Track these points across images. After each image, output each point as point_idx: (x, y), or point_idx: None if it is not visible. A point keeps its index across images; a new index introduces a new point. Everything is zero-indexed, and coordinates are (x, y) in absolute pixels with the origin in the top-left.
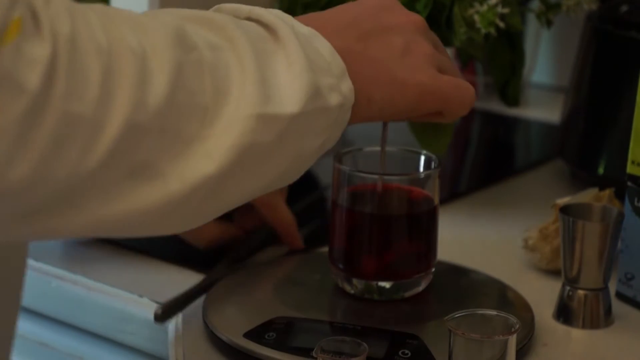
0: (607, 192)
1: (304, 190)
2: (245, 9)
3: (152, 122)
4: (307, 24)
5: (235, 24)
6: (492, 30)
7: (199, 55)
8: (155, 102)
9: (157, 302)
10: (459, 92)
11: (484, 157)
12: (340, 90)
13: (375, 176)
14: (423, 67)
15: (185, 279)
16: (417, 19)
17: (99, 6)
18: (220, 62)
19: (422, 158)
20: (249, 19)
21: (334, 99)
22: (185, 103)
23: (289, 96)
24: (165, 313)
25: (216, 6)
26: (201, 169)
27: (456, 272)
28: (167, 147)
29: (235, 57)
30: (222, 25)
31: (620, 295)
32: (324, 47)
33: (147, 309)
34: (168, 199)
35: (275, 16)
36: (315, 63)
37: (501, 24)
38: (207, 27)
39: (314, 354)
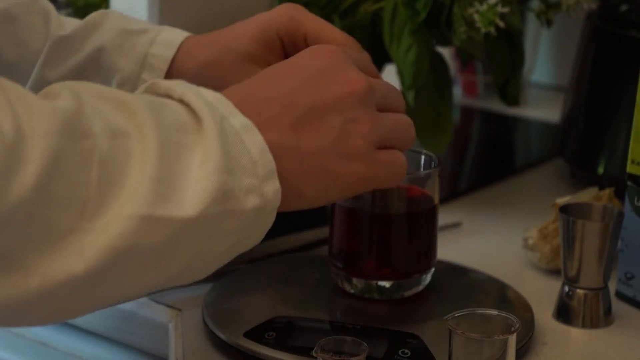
0: (607, 192)
1: None
2: (179, 90)
3: (13, 212)
4: (243, 105)
5: (150, 111)
6: (492, 30)
7: (91, 144)
8: (19, 192)
9: (157, 302)
10: (391, 171)
11: (484, 157)
12: (261, 193)
13: None
14: (359, 154)
15: None
16: (359, 87)
17: (5, 83)
18: (119, 152)
19: (422, 157)
20: (180, 101)
21: (250, 202)
22: (59, 194)
23: (191, 198)
24: None
25: (151, 81)
26: (67, 268)
27: (456, 272)
28: (32, 239)
29: (140, 148)
30: (135, 111)
31: (620, 295)
32: (254, 143)
33: (148, 308)
34: (26, 295)
35: (206, 104)
36: (235, 162)
37: (501, 24)
38: (119, 110)
39: (313, 353)
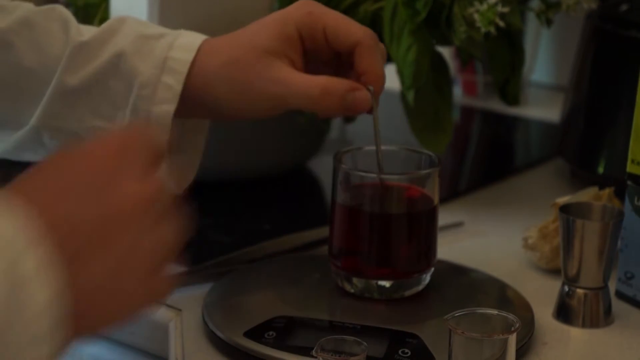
0: (607, 191)
1: (304, 190)
2: None
3: None
4: (34, 217)
5: None
6: (492, 29)
7: None
8: None
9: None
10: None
11: (484, 156)
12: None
13: (375, 175)
14: (140, 288)
15: (188, 279)
16: (138, 199)
17: None
18: None
19: (422, 157)
20: None
21: None
22: None
23: None
24: None
25: None
26: None
27: (456, 271)
28: None
29: None
30: None
31: (620, 294)
32: (40, 294)
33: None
34: None
35: None
36: (15, 315)
37: (501, 23)
38: None
39: (314, 353)
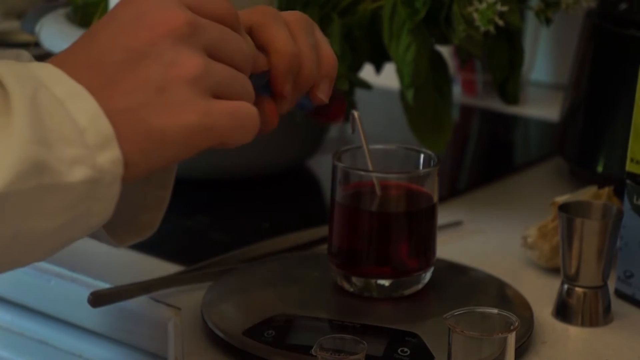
0: (606, 190)
1: (303, 189)
2: None
3: None
4: (72, 70)
5: None
6: (491, 28)
7: None
8: None
9: (156, 301)
10: (237, 121)
11: (483, 155)
12: (92, 164)
13: (374, 174)
14: (187, 102)
15: (187, 278)
16: (175, 24)
17: None
18: None
19: (422, 156)
20: None
21: (76, 175)
22: None
23: None
24: (98, 299)
25: None
26: None
27: (455, 270)
28: None
29: None
30: None
31: (619, 293)
32: (83, 111)
33: (147, 307)
34: None
35: (19, 78)
36: (53, 133)
37: (500, 22)
38: None
39: (313, 351)
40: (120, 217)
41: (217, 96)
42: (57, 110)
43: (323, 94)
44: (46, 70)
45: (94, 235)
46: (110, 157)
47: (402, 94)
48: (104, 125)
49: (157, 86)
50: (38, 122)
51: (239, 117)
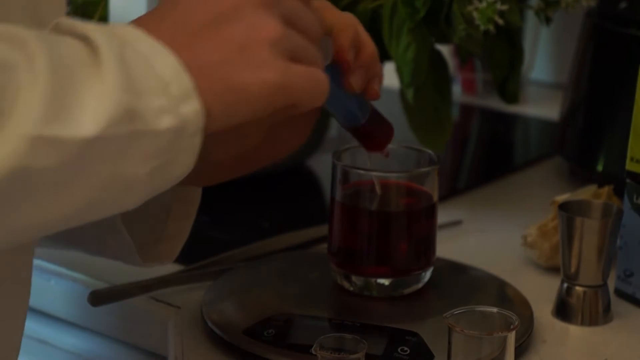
0: (606, 189)
1: (303, 189)
2: (80, 25)
3: None
4: (153, 30)
5: (41, 41)
6: (491, 27)
7: None
8: None
9: (156, 300)
10: (312, 84)
11: (483, 154)
12: (177, 113)
13: (374, 173)
14: (268, 61)
15: (186, 277)
16: None
17: None
18: (8, 82)
19: (421, 155)
20: (82, 38)
21: (163, 123)
22: None
23: (88, 118)
24: (98, 298)
25: (56, 20)
26: None
27: (455, 269)
28: None
29: (30, 77)
30: (25, 41)
31: (619, 292)
32: (166, 66)
33: (147, 306)
34: None
35: (107, 36)
36: (141, 85)
37: (500, 21)
38: (8, 42)
39: (313, 350)
40: (142, 243)
41: (293, 61)
42: (142, 64)
43: (357, 83)
44: (128, 30)
45: (122, 257)
46: (192, 108)
47: (402, 93)
48: (186, 79)
49: (240, 45)
50: (127, 73)
51: (314, 80)
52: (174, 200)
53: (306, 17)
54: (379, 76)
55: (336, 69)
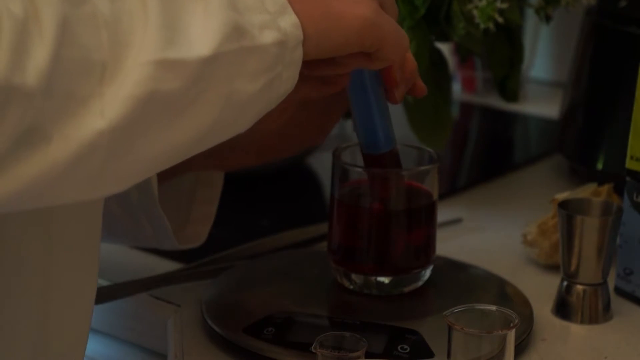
0: (606, 187)
1: (303, 187)
2: None
3: (33, 86)
4: None
5: None
6: (491, 25)
7: (92, 8)
8: (37, 66)
9: (156, 298)
10: (398, 34)
11: (483, 153)
12: (277, 27)
13: (374, 171)
14: (364, 0)
15: (186, 276)
16: None
17: None
18: (121, 13)
19: (421, 153)
20: None
21: (268, 37)
22: (75, 61)
23: (201, 38)
24: (98, 296)
25: None
26: (88, 126)
27: (455, 268)
28: (56, 110)
29: (140, 4)
30: None
31: (619, 291)
32: None
33: (147, 304)
34: (52, 162)
35: None
36: (240, 3)
37: (500, 19)
38: None
39: (313, 349)
40: (172, 227)
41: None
42: None
43: (400, 96)
44: None
45: (157, 241)
46: (290, 21)
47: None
48: None
49: None
50: None
51: (399, 32)
52: (198, 184)
53: (394, 7)
54: (421, 88)
55: (376, 86)
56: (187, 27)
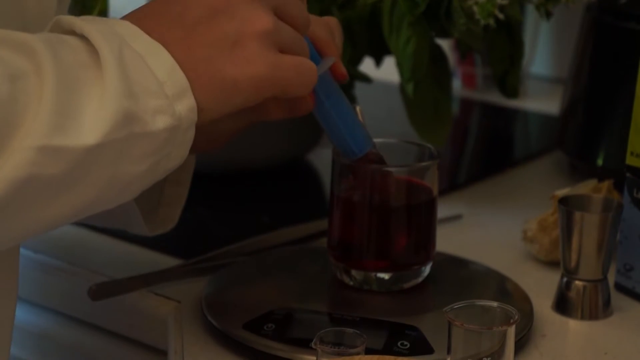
0: (606, 183)
1: (303, 183)
2: (79, 24)
3: None
4: (145, 26)
5: (50, 49)
6: (491, 22)
7: None
8: None
9: (156, 294)
10: (299, 75)
11: (483, 149)
12: (172, 112)
13: (374, 167)
14: (258, 56)
15: (186, 272)
16: None
17: None
18: (18, 93)
19: (421, 149)
20: (82, 36)
21: (159, 123)
22: None
23: (90, 126)
24: (98, 293)
25: (56, 18)
26: None
27: (455, 264)
28: None
29: (38, 87)
30: (34, 50)
31: (619, 287)
32: (161, 65)
33: (147, 300)
34: None
35: (104, 36)
36: (138, 86)
37: (500, 15)
38: (18, 51)
39: (313, 345)
40: (142, 210)
41: (282, 52)
42: (139, 65)
43: (343, 70)
44: (125, 27)
45: (126, 224)
46: (186, 105)
47: (402, 88)
48: (180, 77)
49: (232, 40)
50: (125, 76)
51: (302, 70)
52: None
53: (296, 9)
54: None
55: (335, 96)
56: (79, 114)
